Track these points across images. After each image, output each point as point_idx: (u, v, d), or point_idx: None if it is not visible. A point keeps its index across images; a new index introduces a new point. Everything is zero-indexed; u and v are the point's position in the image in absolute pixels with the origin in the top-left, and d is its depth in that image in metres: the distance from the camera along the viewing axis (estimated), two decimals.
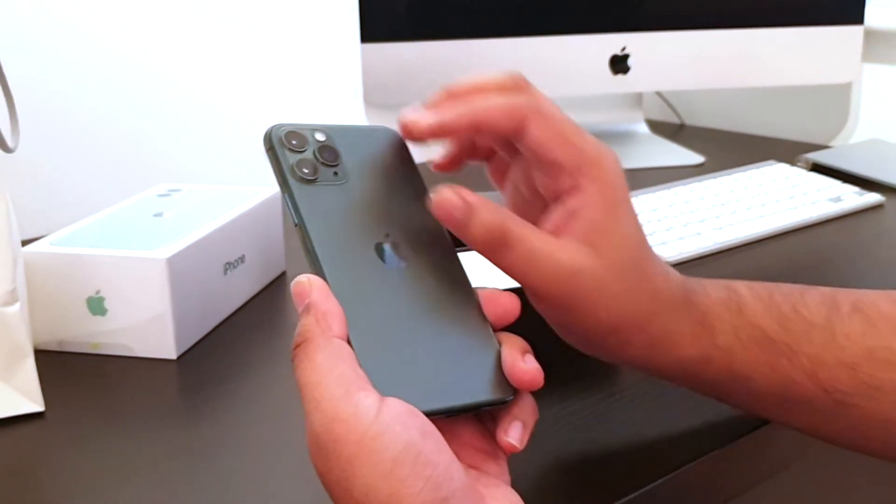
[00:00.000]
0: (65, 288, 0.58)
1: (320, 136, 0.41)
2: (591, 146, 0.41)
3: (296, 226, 0.39)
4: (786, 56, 1.06)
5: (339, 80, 1.02)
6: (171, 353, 0.58)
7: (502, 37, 0.99)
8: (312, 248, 0.38)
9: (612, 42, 1.03)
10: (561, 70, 1.02)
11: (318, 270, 0.38)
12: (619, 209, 0.41)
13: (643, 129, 1.18)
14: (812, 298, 0.44)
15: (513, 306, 0.40)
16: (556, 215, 0.41)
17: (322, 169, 0.40)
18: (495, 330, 0.40)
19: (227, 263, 0.64)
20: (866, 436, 0.43)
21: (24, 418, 0.52)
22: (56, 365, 0.57)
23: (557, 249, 0.40)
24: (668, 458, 0.47)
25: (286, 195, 0.39)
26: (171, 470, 0.47)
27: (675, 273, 0.44)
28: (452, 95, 0.41)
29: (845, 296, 0.44)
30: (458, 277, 0.41)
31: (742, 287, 0.45)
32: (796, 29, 1.05)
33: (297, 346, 0.36)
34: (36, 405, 0.52)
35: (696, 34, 1.04)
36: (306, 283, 0.37)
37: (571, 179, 0.40)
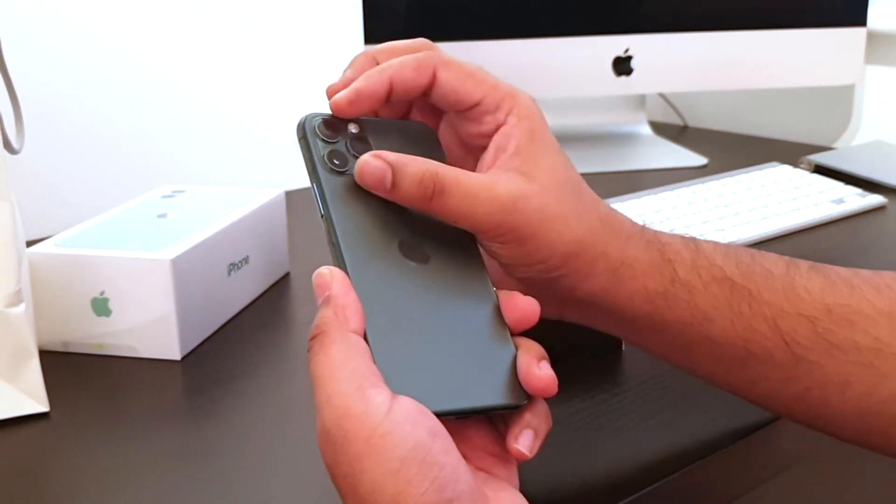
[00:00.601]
0: (69, 289, 0.58)
1: (354, 128, 0.41)
2: (504, 84, 0.42)
3: (321, 217, 0.39)
4: (789, 58, 1.06)
5: None
6: (175, 354, 0.58)
7: (505, 38, 0.98)
8: (337, 240, 0.38)
9: (615, 44, 1.03)
10: (564, 72, 1.02)
11: (340, 263, 0.38)
12: (543, 138, 0.42)
13: (646, 130, 1.18)
14: (769, 255, 0.44)
15: (532, 310, 0.40)
16: (486, 156, 0.42)
17: (353, 161, 0.40)
18: (513, 334, 0.40)
19: (231, 264, 0.64)
20: (824, 399, 0.42)
21: (29, 419, 0.52)
22: (60, 366, 0.57)
23: (492, 183, 0.40)
24: (671, 458, 0.47)
25: (314, 185, 0.39)
26: (176, 471, 0.47)
27: (617, 210, 0.44)
28: (364, 61, 0.42)
29: (801, 260, 0.44)
30: (479, 278, 0.41)
31: (697, 237, 0.45)
32: (799, 31, 1.05)
33: (314, 337, 0.36)
34: (40, 406, 0.52)
35: (700, 36, 1.04)
36: (328, 275, 0.37)
37: (493, 117, 0.42)
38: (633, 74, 1.04)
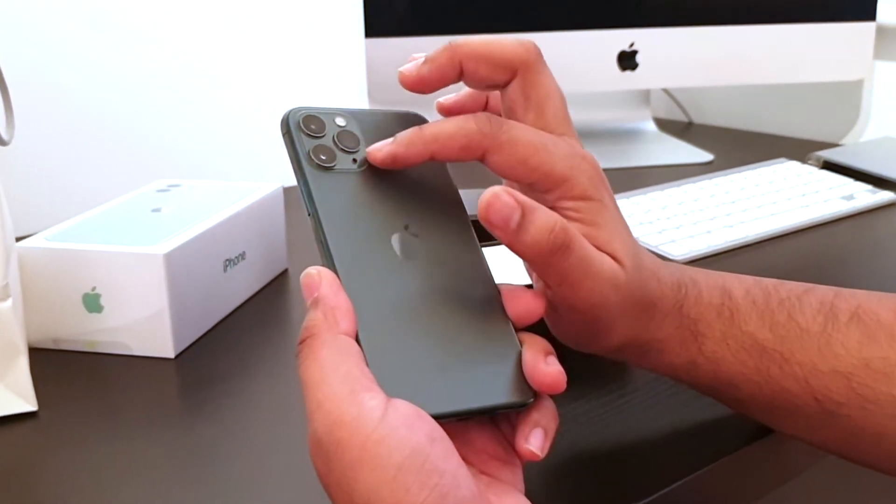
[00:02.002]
0: (60, 284, 0.57)
1: (341, 121, 0.40)
2: (561, 164, 0.39)
3: (309, 215, 0.37)
4: (796, 53, 1.05)
5: (343, 76, 1.01)
6: (169, 352, 0.57)
7: (508, 32, 0.98)
8: (325, 239, 0.37)
9: (620, 38, 1.02)
10: (568, 66, 1.01)
11: (329, 263, 0.36)
12: (608, 221, 0.40)
13: (651, 127, 1.17)
14: (810, 305, 0.43)
15: (536, 305, 0.39)
16: None
17: (340, 155, 0.39)
18: (517, 329, 0.38)
19: (227, 260, 0.63)
20: (856, 447, 0.42)
21: (17, 418, 0.50)
22: (50, 363, 0.57)
23: (602, 258, 0.39)
24: (679, 463, 0.46)
25: (300, 182, 0.38)
26: (169, 472, 0.45)
27: (667, 273, 0.43)
28: (446, 61, 0.39)
29: (845, 303, 0.43)
30: (479, 273, 0.39)
31: (738, 290, 0.44)
32: (807, 25, 1.04)
33: (303, 341, 0.35)
34: (29, 405, 0.51)
35: (706, 30, 1.03)
36: (316, 276, 0.36)
37: (546, 198, 0.39)
38: (639, 69, 1.02)
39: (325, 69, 0.99)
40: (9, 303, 0.50)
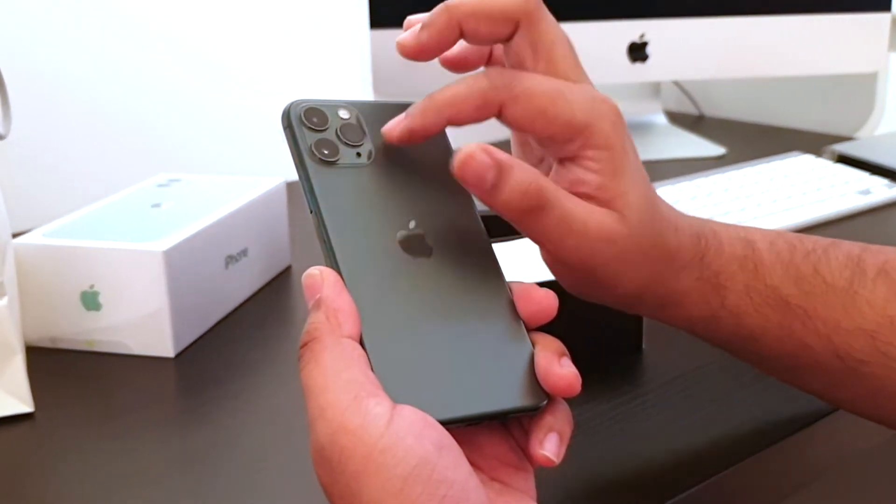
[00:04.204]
0: (57, 282, 0.56)
1: (344, 114, 0.38)
2: (581, 112, 0.37)
3: (311, 212, 0.36)
4: (809, 44, 1.04)
5: (347, 68, 1.00)
6: (168, 352, 0.56)
7: None
8: (327, 237, 0.35)
9: (631, 29, 1.01)
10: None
11: (332, 262, 0.35)
12: (627, 170, 0.38)
13: (661, 120, 1.15)
14: (836, 259, 0.42)
15: (549, 304, 0.37)
16: (561, 178, 0.38)
17: (343, 150, 0.37)
18: (529, 329, 0.37)
19: (228, 257, 0.62)
20: (880, 405, 0.41)
21: (12, 420, 0.50)
22: (48, 363, 0.56)
23: (588, 214, 0.37)
24: (693, 468, 0.44)
25: (302, 178, 0.37)
26: (168, 475, 0.45)
27: (686, 224, 0.41)
28: (445, 24, 0.38)
29: (872, 258, 0.42)
30: (489, 271, 0.38)
31: (761, 242, 0.42)
32: (821, 16, 1.03)
33: (304, 345, 0.33)
34: (25, 406, 0.50)
35: (717, 21, 1.02)
36: (318, 276, 0.34)
37: (567, 148, 0.38)
38: (649, 61, 1.01)
39: (330, 61, 0.98)
40: (4, 301, 0.50)
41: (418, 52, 0.38)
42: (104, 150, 0.87)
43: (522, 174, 0.35)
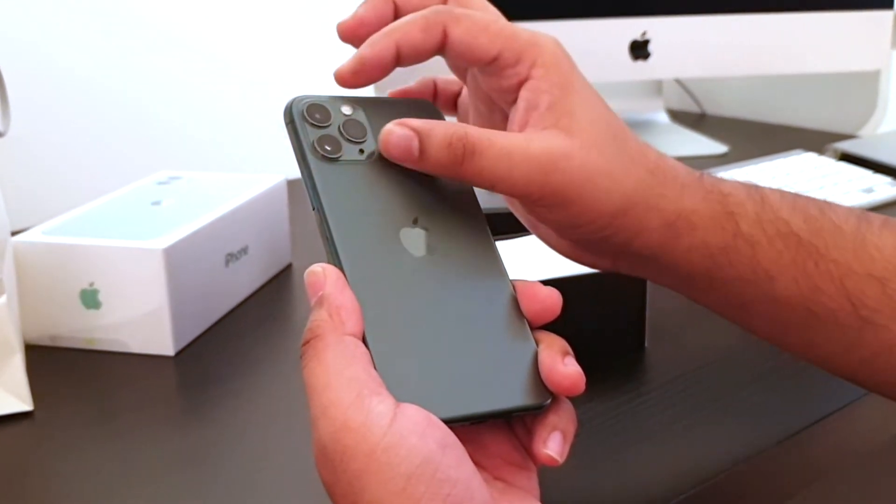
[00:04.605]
0: (57, 280, 0.56)
1: (347, 110, 0.38)
2: (524, 33, 0.38)
3: (313, 209, 0.36)
4: (811, 42, 1.04)
5: None
6: (168, 350, 0.56)
7: (518, 20, 0.95)
8: (330, 234, 0.35)
9: (632, 27, 1.00)
10: (578, 56, 0.98)
11: (335, 259, 0.35)
12: (576, 86, 0.38)
13: (663, 118, 1.15)
14: (839, 207, 0.41)
15: (553, 302, 0.37)
16: (516, 116, 0.38)
17: (346, 146, 0.37)
18: (533, 328, 0.37)
19: (229, 255, 0.62)
20: (891, 364, 0.39)
21: (11, 418, 0.49)
22: (47, 361, 0.55)
23: (527, 142, 0.37)
24: (695, 468, 0.44)
25: (304, 175, 0.36)
26: (168, 475, 0.44)
27: (671, 158, 0.41)
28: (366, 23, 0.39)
29: (874, 215, 0.41)
30: (493, 269, 0.37)
31: (761, 185, 0.41)
32: (823, 14, 1.03)
33: (307, 342, 0.33)
34: (24, 404, 0.50)
35: (719, 19, 1.01)
36: (320, 274, 0.34)
37: (516, 71, 0.38)
38: (651, 59, 1.01)
39: (331, 57, 0.98)
40: (3, 299, 0.49)
41: (356, 27, 0.39)
42: (104, 147, 0.87)
43: (441, 130, 0.36)
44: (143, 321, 0.55)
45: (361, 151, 0.37)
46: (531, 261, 0.50)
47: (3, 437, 0.48)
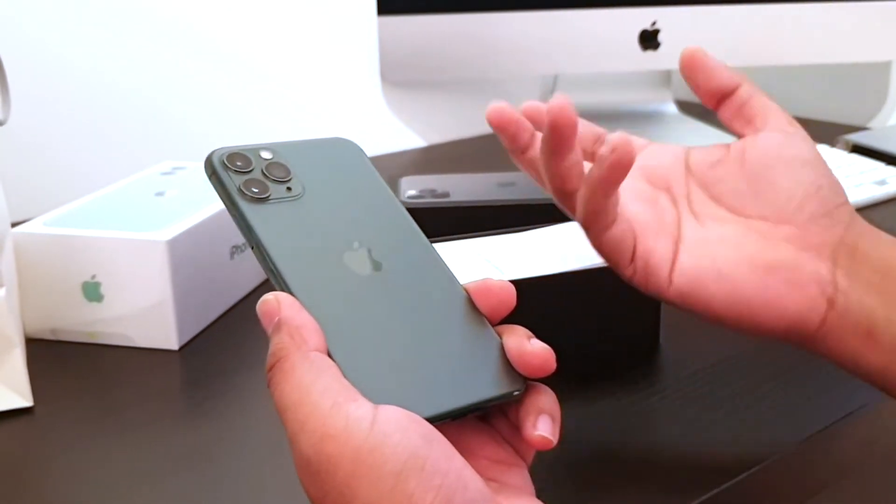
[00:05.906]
0: (58, 272, 0.55)
1: (266, 154, 0.39)
2: None
3: (252, 248, 0.37)
4: (823, 33, 1.03)
5: (354, 56, 0.98)
6: (172, 344, 0.55)
7: (527, 10, 0.95)
8: (275, 266, 0.36)
9: (642, 16, 0.99)
10: (587, 45, 0.99)
11: (285, 288, 0.35)
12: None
13: (672, 109, 1.14)
14: None
15: (507, 295, 0.37)
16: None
17: (273, 186, 0.38)
18: (492, 323, 0.37)
19: (234, 247, 0.61)
20: None
21: (11, 414, 0.49)
22: (48, 355, 0.55)
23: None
24: (709, 471, 0.43)
25: (236, 218, 0.37)
26: (172, 471, 0.44)
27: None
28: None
29: None
30: (440, 274, 0.39)
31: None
32: (834, 4, 1.02)
33: (271, 367, 0.33)
34: (23, 400, 0.49)
35: (730, 9, 1.00)
36: (273, 301, 0.34)
37: None
38: (661, 49, 1.00)
39: (337, 48, 0.97)
40: (3, 292, 0.49)
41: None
42: (106, 137, 0.86)
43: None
44: (146, 314, 0.55)
45: (289, 189, 0.38)
46: (563, 250, 0.50)
47: (3, 432, 0.47)
